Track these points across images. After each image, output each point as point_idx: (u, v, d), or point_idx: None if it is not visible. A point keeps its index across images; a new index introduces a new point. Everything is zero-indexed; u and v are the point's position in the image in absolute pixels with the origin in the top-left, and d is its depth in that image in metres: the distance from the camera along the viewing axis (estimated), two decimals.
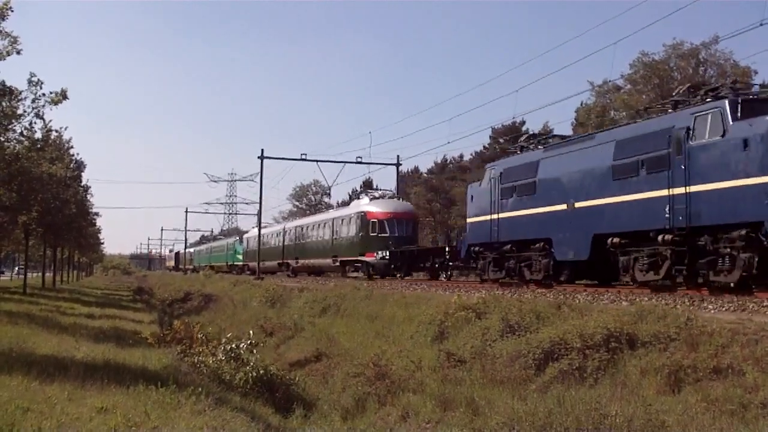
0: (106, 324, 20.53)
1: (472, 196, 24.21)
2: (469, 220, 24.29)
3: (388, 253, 31.73)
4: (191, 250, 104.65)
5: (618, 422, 7.46)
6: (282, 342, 19.79)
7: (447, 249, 27.69)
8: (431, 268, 29.33)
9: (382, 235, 33.08)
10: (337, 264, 37.60)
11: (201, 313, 32.24)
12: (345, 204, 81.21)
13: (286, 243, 47.95)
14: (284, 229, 50.07)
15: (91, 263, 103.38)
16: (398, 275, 30.90)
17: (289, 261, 46.88)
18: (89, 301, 32.26)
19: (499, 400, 9.40)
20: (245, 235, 64.51)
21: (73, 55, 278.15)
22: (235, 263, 65.43)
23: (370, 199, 36.52)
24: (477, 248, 23.44)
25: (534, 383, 10.06)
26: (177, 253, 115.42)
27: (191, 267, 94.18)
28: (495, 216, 22.02)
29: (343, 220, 37.73)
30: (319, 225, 41.86)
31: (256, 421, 9.44)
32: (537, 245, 19.96)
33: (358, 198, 39.83)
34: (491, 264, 22.54)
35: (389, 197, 37.87)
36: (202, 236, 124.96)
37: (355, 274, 35.66)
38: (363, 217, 34.47)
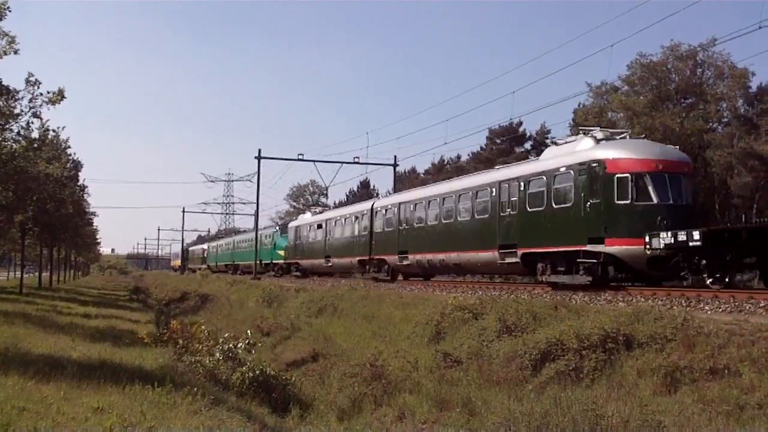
0: (102, 324, 20.49)
1: None
2: None
3: (697, 236, 15.26)
4: (205, 246, 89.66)
5: (614, 423, 7.46)
6: (279, 342, 19.78)
7: None
8: None
9: (644, 202, 17.30)
10: (512, 260, 20.84)
11: (198, 312, 32.21)
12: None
13: (377, 231, 31.64)
14: (372, 209, 32.75)
15: (87, 263, 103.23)
16: (709, 280, 15.65)
17: (384, 257, 30.65)
18: (86, 301, 32.20)
19: (496, 400, 9.41)
20: (291, 224, 47.61)
21: (73, 55, 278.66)
22: (275, 261, 49.92)
23: (597, 140, 19.21)
24: None
25: (530, 384, 10.08)
26: (186, 251, 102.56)
27: (205, 267, 79.42)
28: None
29: (525, 182, 20.59)
30: (458, 196, 24.74)
31: (252, 421, 9.44)
32: None
33: (554, 143, 22.41)
34: None
35: (624, 136, 20.47)
36: (199, 236, 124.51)
37: (559, 279, 18.92)
38: (596, 169, 17.91)
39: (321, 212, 44.05)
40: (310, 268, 41.63)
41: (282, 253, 47.53)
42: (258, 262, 51.28)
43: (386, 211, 31.23)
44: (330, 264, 37.70)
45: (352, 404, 11.75)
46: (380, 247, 31.20)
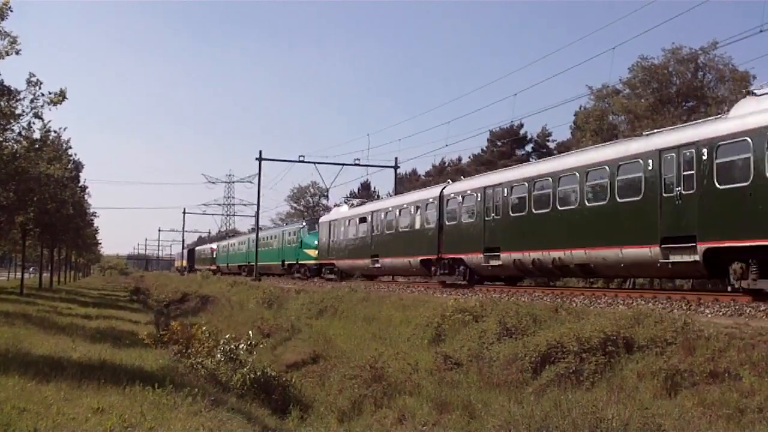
0: (102, 324, 20.50)
1: None
2: None
3: None
4: (213, 246, 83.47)
5: (614, 426, 7.45)
6: (279, 343, 19.78)
7: None
8: None
9: None
10: (686, 259, 14.90)
11: (198, 314, 32.19)
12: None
13: (449, 223, 24.96)
14: (442, 195, 25.85)
15: (88, 264, 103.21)
16: None
17: (460, 255, 23.98)
18: (86, 302, 32.20)
19: (496, 403, 9.40)
20: (323, 219, 40.31)
21: (73, 56, 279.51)
22: (301, 261, 43.58)
23: None
24: None
25: (531, 386, 10.07)
26: (192, 250, 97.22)
27: (214, 267, 74.02)
28: None
29: (710, 149, 14.27)
30: (585, 173, 18.16)
31: (252, 423, 9.45)
32: None
33: (751, 94, 14.92)
34: None
35: None
36: (200, 237, 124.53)
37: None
38: None
39: (362, 203, 37.61)
40: (349, 269, 34.61)
41: (311, 252, 41.07)
42: (280, 262, 46.79)
43: (463, 198, 24.31)
44: (378, 265, 30.87)
45: (352, 406, 11.75)
46: (454, 244, 24.44)
